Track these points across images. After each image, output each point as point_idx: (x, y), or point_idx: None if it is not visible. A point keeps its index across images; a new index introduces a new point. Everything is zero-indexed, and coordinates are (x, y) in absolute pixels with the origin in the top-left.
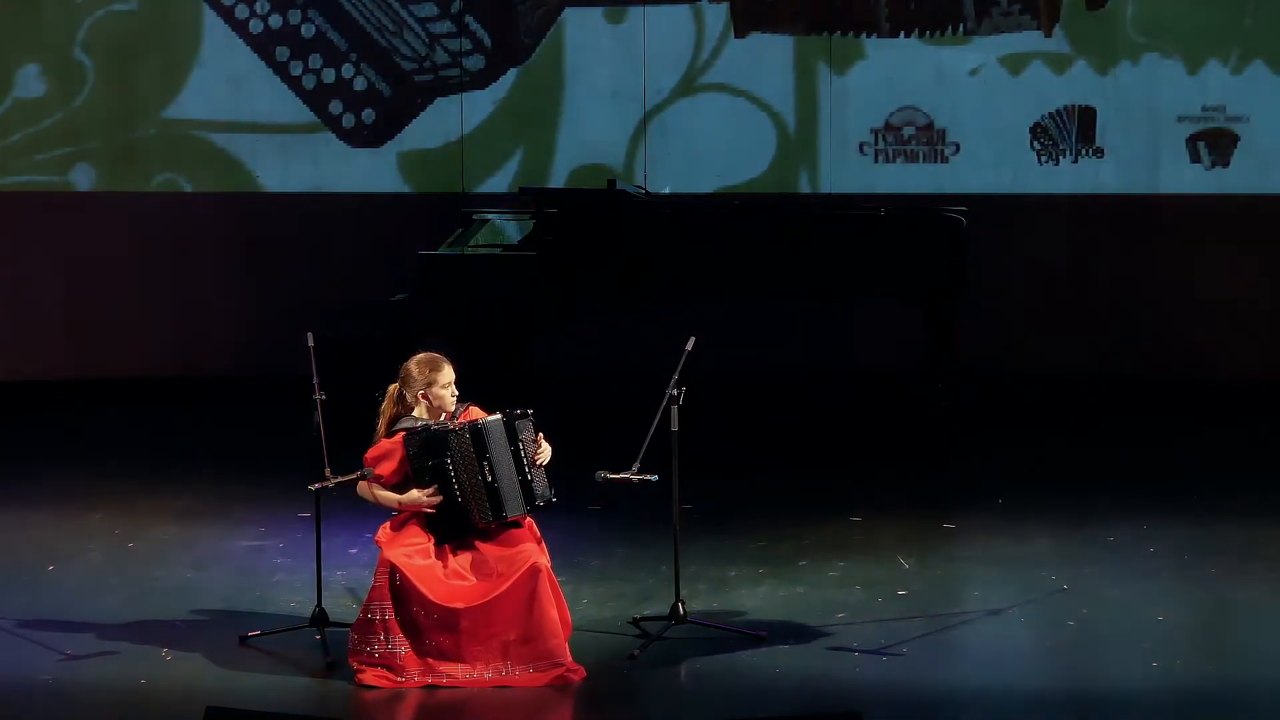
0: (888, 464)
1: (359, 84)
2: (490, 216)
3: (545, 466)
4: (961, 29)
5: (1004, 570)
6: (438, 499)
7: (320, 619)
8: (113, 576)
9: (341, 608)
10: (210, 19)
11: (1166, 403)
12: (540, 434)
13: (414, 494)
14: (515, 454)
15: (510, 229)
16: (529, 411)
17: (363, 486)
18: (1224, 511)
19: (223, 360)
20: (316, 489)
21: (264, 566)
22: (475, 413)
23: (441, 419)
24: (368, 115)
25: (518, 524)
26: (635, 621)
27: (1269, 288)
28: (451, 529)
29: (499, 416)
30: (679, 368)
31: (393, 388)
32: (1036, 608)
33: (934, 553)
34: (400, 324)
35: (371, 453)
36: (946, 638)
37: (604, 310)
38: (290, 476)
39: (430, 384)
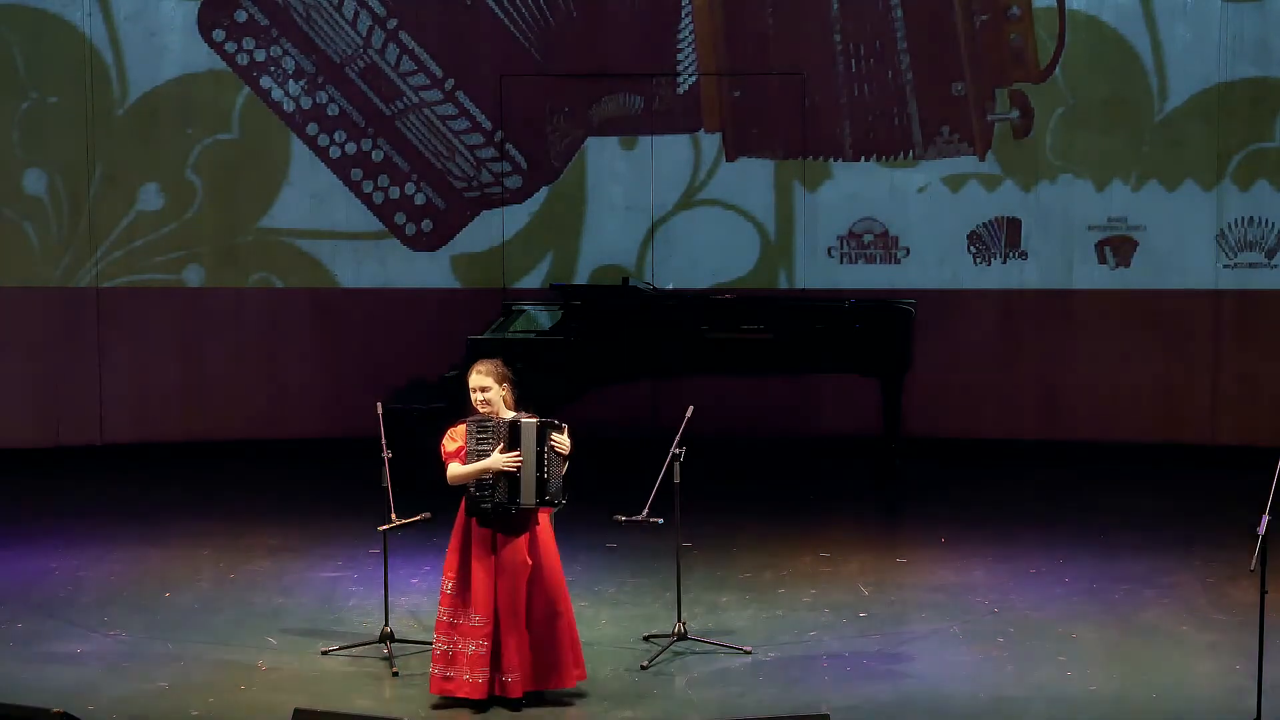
0: (851, 510)
1: (419, 199)
2: (526, 307)
3: (567, 459)
4: (911, 154)
5: (945, 596)
6: (518, 461)
7: (388, 636)
8: (217, 601)
9: (405, 627)
10: (297, 146)
11: (1078, 460)
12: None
13: (496, 459)
14: (540, 455)
15: (543, 317)
16: (560, 423)
17: (452, 470)
18: (1126, 547)
19: (306, 424)
20: (384, 530)
21: (341, 593)
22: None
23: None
24: (426, 225)
25: (533, 510)
26: (646, 638)
27: (1162, 365)
28: (485, 506)
29: (535, 420)
30: (680, 431)
31: None
32: (972, 627)
33: (888, 582)
34: (452, 396)
35: (446, 437)
36: (899, 651)
37: (620, 384)
38: (363, 520)
39: (468, 387)
